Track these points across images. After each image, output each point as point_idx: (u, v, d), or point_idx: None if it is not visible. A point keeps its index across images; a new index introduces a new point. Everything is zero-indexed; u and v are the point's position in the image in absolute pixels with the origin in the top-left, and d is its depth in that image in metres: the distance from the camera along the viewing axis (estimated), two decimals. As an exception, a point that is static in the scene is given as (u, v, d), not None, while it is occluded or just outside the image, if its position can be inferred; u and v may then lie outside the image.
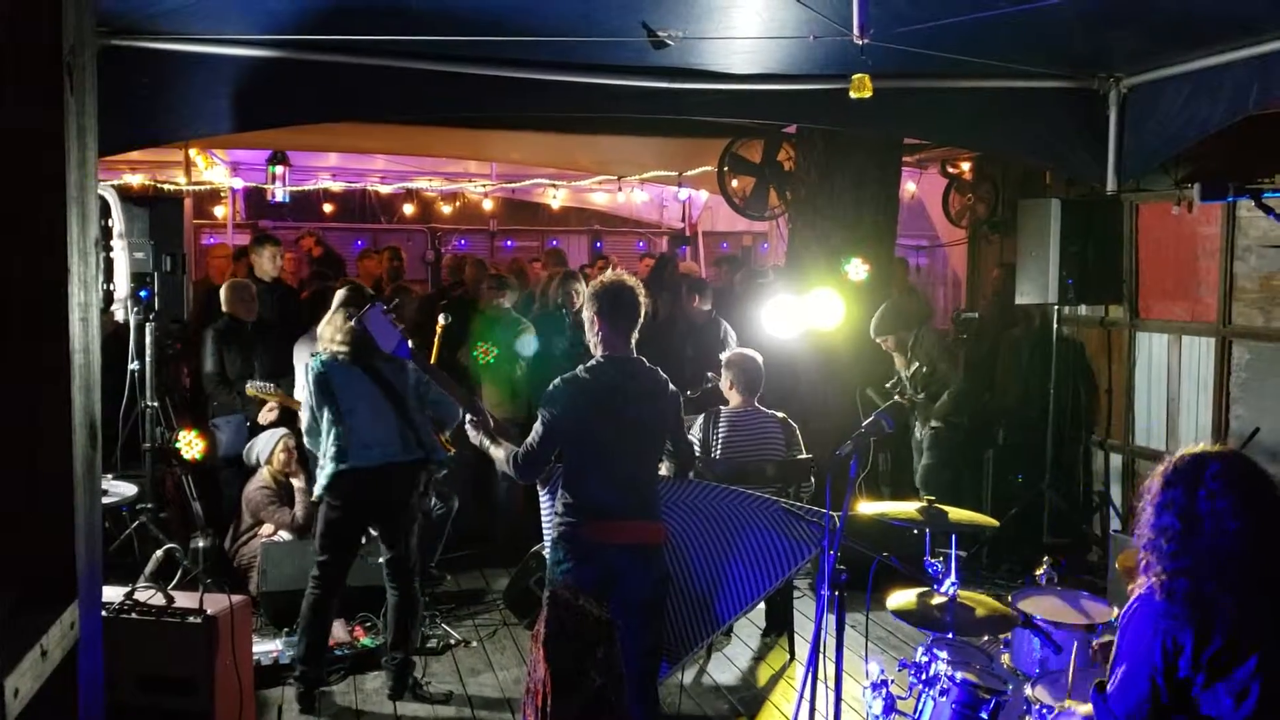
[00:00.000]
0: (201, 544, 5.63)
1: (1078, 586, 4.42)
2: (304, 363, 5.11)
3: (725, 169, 7.96)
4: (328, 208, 12.16)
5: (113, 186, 6.04)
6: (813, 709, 3.30)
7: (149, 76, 4.67)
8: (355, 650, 5.10)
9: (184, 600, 4.00)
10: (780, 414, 5.31)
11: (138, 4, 4.23)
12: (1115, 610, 3.50)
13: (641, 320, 3.71)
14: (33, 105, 1.37)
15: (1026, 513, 6.61)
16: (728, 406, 5.32)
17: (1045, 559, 4.14)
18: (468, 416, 3.86)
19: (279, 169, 9.38)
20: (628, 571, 3.59)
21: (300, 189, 10.83)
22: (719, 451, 5.16)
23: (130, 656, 3.76)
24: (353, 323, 4.30)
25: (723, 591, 4.28)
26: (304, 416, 4.68)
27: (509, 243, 14.26)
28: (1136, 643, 2.42)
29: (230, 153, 10.10)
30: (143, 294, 5.29)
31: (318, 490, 4.66)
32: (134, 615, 3.88)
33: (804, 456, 5.24)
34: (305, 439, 4.81)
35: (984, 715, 3.31)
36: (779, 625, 5.58)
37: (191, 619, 3.88)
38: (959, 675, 3.39)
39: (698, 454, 4.95)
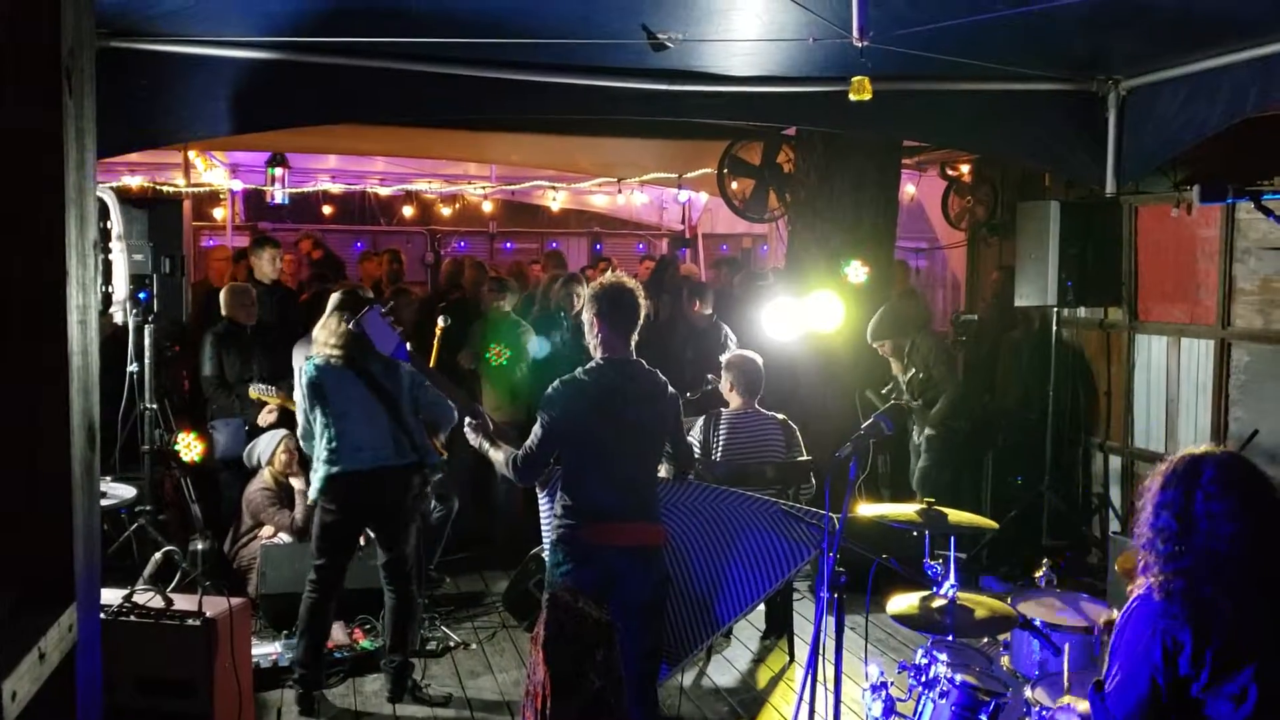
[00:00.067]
0: (200, 546, 5.63)
1: (1077, 588, 4.43)
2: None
3: (725, 171, 7.97)
4: (327, 209, 12.15)
5: (112, 188, 6.05)
6: (812, 711, 3.30)
7: (148, 78, 4.66)
8: (354, 652, 5.10)
9: (183, 602, 3.99)
10: (780, 416, 5.31)
11: (137, 5, 4.23)
12: (1115, 612, 3.50)
13: (641, 322, 3.71)
14: (31, 106, 1.37)
15: (1026, 515, 6.61)
16: (728, 408, 5.32)
17: (1045, 561, 4.14)
18: (467, 420, 3.85)
19: (278, 171, 9.37)
20: (627, 573, 3.59)
21: (299, 191, 10.83)
22: (719, 453, 5.16)
23: (129, 659, 3.76)
24: (350, 325, 4.30)
25: (722, 593, 4.28)
26: (299, 420, 4.68)
27: (508, 245, 14.26)
28: (1135, 643, 2.42)
29: (229, 154, 10.10)
30: (141, 296, 5.29)
31: (312, 494, 4.66)
32: (133, 618, 3.87)
33: (804, 458, 5.24)
34: (301, 442, 4.81)
35: (983, 717, 3.31)
36: (778, 627, 5.58)
37: (190, 621, 3.87)
38: (958, 677, 3.39)
39: (697, 456, 4.95)
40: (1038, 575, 4.05)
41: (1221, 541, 2.34)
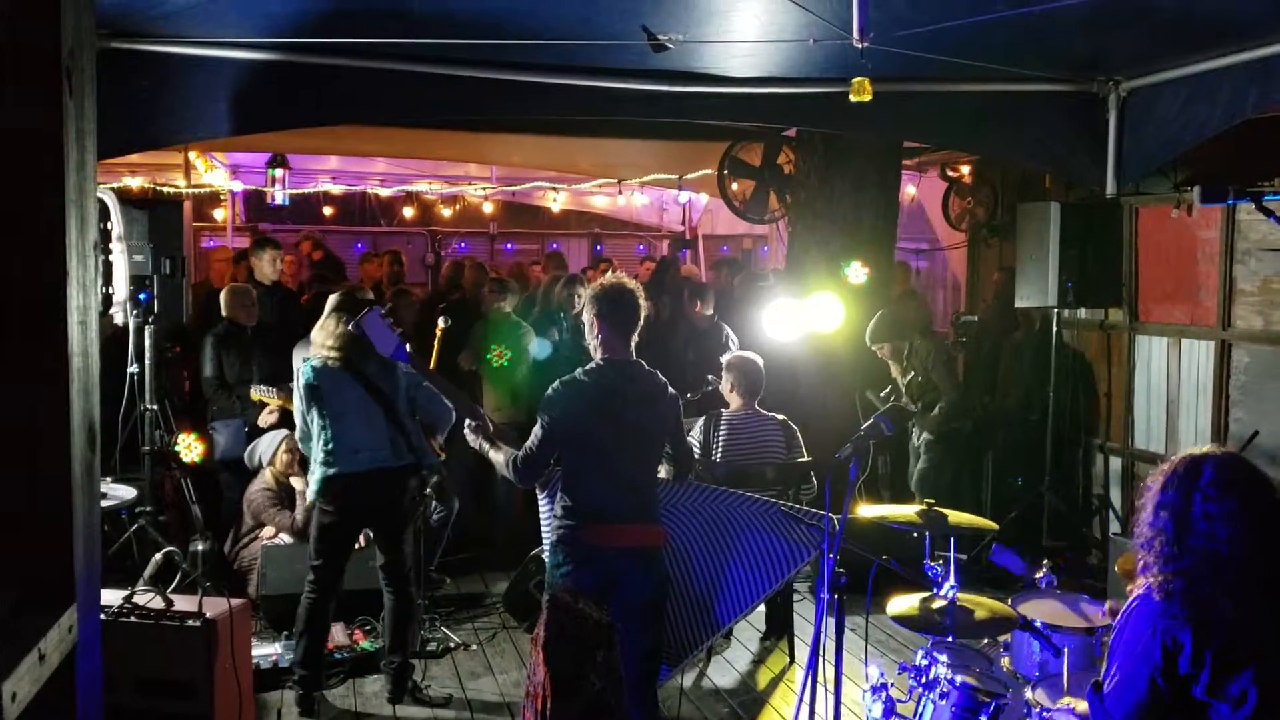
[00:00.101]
0: (200, 547, 5.63)
1: (1077, 589, 4.43)
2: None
3: (725, 172, 7.97)
4: (327, 210, 12.16)
5: (112, 189, 6.06)
6: (812, 712, 3.30)
7: (149, 79, 4.67)
8: (354, 653, 5.09)
9: (183, 603, 3.99)
10: (780, 416, 5.31)
11: (138, 6, 4.23)
12: (1115, 602, 3.50)
13: (641, 323, 3.71)
14: (31, 107, 1.37)
15: (1026, 515, 6.61)
16: (728, 409, 5.32)
17: (1045, 562, 4.14)
18: (468, 421, 3.85)
19: (279, 172, 9.38)
20: (627, 574, 3.59)
21: (300, 192, 10.84)
22: (719, 454, 5.16)
23: (129, 660, 3.75)
24: (350, 327, 4.30)
25: (722, 594, 4.28)
26: (296, 421, 4.68)
27: (509, 245, 14.26)
28: (1135, 643, 2.42)
29: (230, 155, 10.11)
30: (142, 297, 5.29)
31: (309, 495, 4.66)
32: (133, 618, 3.87)
33: (804, 459, 5.24)
34: (299, 444, 4.81)
35: (983, 718, 3.31)
36: (779, 628, 5.58)
37: (190, 622, 3.87)
38: (959, 678, 3.39)
39: (697, 456, 4.95)
40: (1038, 576, 4.05)
41: (1220, 543, 2.34)
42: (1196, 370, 6.33)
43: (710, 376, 5.60)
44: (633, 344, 3.68)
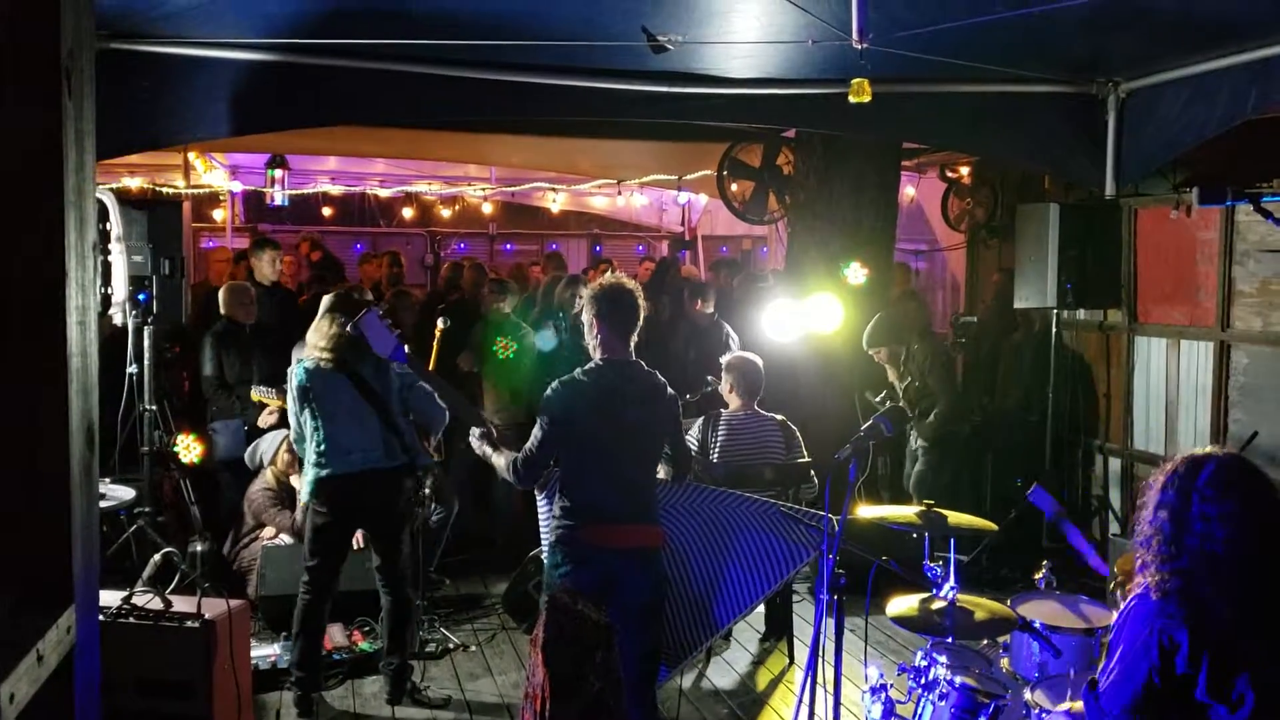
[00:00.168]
0: (199, 548, 5.62)
1: (1077, 590, 4.42)
2: None
3: (725, 173, 7.97)
4: (327, 211, 12.16)
5: (111, 190, 6.06)
6: (812, 713, 3.30)
7: (149, 80, 4.67)
8: (353, 654, 5.09)
9: (182, 604, 3.99)
10: (780, 417, 5.31)
11: (138, 7, 4.23)
12: (1114, 614, 3.50)
13: (640, 323, 3.71)
14: (31, 107, 1.37)
15: (1025, 516, 6.60)
16: (727, 410, 5.32)
17: (1044, 563, 4.14)
18: (475, 431, 3.84)
19: (278, 172, 9.37)
20: (626, 575, 3.59)
21: (299, 192, 10.83)
22: (716, 454, 5.16)
23: (128, 661, 3.75)
24: (349, 328, 4.29)
25: (721, 595, 4.28)
26: (290, 423, 4.67)
27: (508, 246, 14.26)
28: (1132, 641, 2.43)
29: (229, 156, 10.11)
30: (141, 297, 5.29)
31: (302, 496, 4.65)
32: (132, 619, 3.87)
33: (804, 459, 5.24)
34: (294, 445, 4.80)
35: (983, 719, 3.31)
36: (778, 629, 5.58)
37: (189, 623, 3.87)
38: (958, 679, 3.39)
39: (695, 456, 4.95)
40: (1037, 577, 4.05)
41: (1217, 544, 2.34)
42: (1196, 371, 6.33)
43: (710, 377, 5.60)
44: (632, 344, 3.68)
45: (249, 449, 6.03)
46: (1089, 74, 5.53)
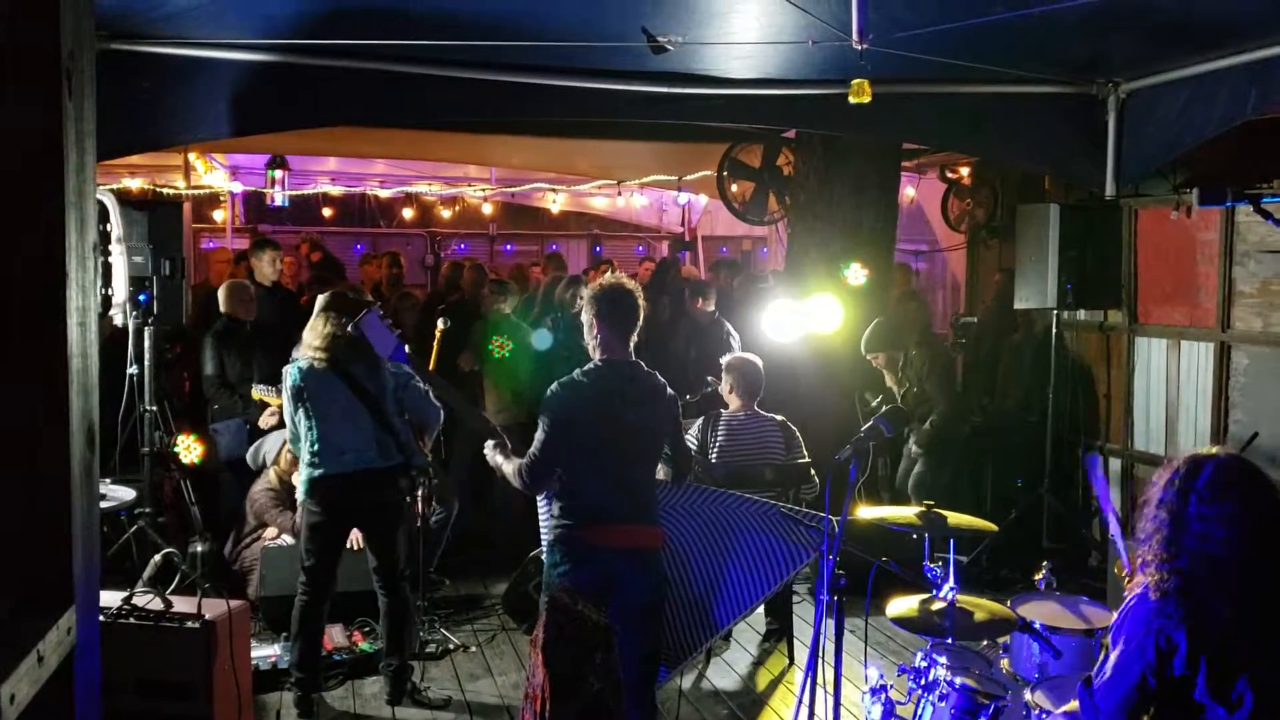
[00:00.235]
0: (200, 548, 5.63)
1: (1077, 591, 4.42)
2: None
3: (725, 174, 7.97)
4: (327, 212, 12.16)
5: (111, 191, 6.06)
6: (811, 714, 3.29)
7: (149, 80, 4.67)
8: (354, 655, 5.09)
9: (182, 605, 3.99)
10: (780, 418, 5.31)
11: (138, 8, 4.24)
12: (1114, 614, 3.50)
13: (640, 324, 3.71)
14: (31, 108, 1.37)
15: (1026, 517, 6.61)
16: (727, 410, 5.32)
17: (1044, 564, 4.14)
18: (489, 442, 3.82)
19: (278, 173, 9.38)
20: (625, 576, 3.58)
21: (299, 193, 10.84)
22: (715, 454, 5.16)
23: (128, 662, 3.75)
24: (349, 328, 4.29)
25: (721, 596, 4.27)
26: (286, 423, 4.67)
27: (508, 247, 14.26)
28: (1129, 640, 2.43)
29: (229, 157, 10.12)
30: (141, 298, 5.29)
31: (298, 496, 4.65)
32: (132, 620, 3.87)
33: (804, 460, 5.24)
34: (290, 445, 4.80)
35: (983, 720, 3.31)
36: (778, 630, 5.58)
37: (190, 624, 3.87)
38: (958, 680, 3.39)
39: (695, 457, 4.95)
40: (1037, 578, 4.05)
41: (1214, 544, 2.34)
42: (1196, 372, 6.33)
43: (710, 378, 5.61)
44: (632, 344, 3.68)
45: (251, 449, 6.02)
46: (1089, 74, 5.53)
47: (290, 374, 4.52)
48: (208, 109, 4.82)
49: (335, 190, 11.55)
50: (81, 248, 1.43)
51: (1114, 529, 3.98)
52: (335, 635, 5.15)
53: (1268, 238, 5.75)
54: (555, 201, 11.81)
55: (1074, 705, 2.91)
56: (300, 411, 4.48)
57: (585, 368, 3.65)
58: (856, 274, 6.75)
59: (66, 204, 1.38)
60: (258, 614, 5.33)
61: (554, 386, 3.61)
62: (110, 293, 5.11)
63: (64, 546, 1.41)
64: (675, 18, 4.44)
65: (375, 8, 4.44)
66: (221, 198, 11.07)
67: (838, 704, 3.68)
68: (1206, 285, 6.25)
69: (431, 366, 5.13)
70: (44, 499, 1.40)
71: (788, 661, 5.37)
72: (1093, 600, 3.99)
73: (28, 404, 1.39)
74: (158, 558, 4.46)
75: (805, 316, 5.37)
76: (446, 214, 12.45)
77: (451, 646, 5.40)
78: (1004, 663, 3.86)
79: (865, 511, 3.96)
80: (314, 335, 4.49)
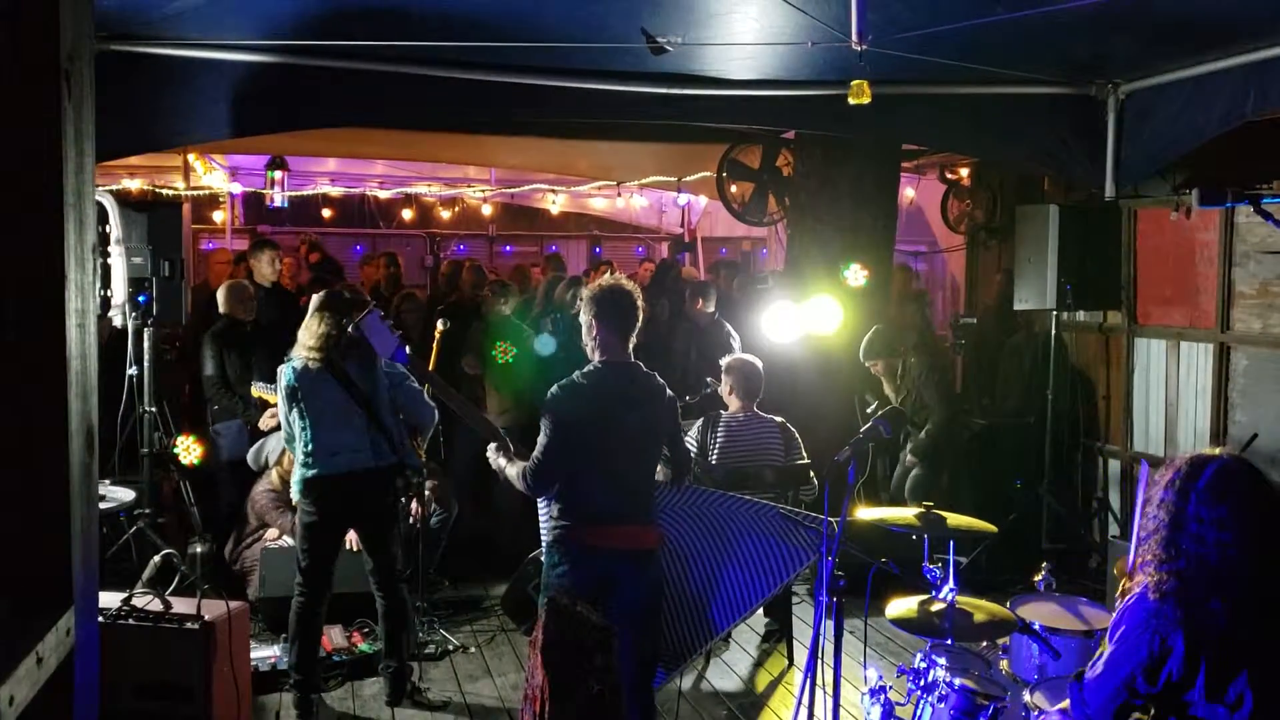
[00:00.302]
0: (199, 549, 5.62)
1: (1076, 592, 4.42)
2: None
3: (724, 174, 7.97)
4: (326, 213, 12.16)
5: (111, 192, 6.06)
6: (811, 715, 3.29)
7: (149, 81, 4.67)
8: (353, 656, 5.09)
9: (181, 606, 3.99)
10: (779, 419, 5.31)
11: (138, 8, 4.24)
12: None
13: (639, 325, 3.71)
14: (30, 109, 1.37)
15: (1025, 518, 6.60)
16: (727, 411, 5.32)
17: (1044, 565, 4.14)
18: (491, 446, 3.82)
19: (277, 174, 9.37)
20: (624, 576, 3.58)
21: (299, 194, 10.83)
22: (715, 456, 5.16)
23: (128, 663, 3.76)
24: (350, 329, 4.29)
25: (720, 598, 4.27)
26: (281, 423, 4.66)
27: (508, 248, 14.26)
28: (1125, 638, 2.44)
29: (229, 158, 10.12)
30: (141, 299, 5.29)
31: (293, 496, 4.64)
32: (131, 621, 3.88)
33: (803, 461, 5.24)
34: (286, 445, 4.79)
35: (982, 721, 3.31)
36: (777, 631, 5.58)
37: (189, 625, 3.87)
38: (957, 681, 3.39)
39: (694, 458, 4.94)
40: (1037, 579, 4.05)
41: (1210, 547, 2.34)
42: (1196, 373, 6.33)
43: (709, 379, 5.60)
44: (631, 345, 3.68)
45: (253, 449, 6.02)
46: (1088, 75, 5.54)
47: (284, 374, 4.52)
48: (207, 109, 4.82)
49: (335, 191, 11.55)
50: (80, 249, 1.43)
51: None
52: (334, 636, 5.14)
53: (1267, 239, 5.75)
54: (555, 202, 11.81)
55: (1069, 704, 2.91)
56: (294, 411, 4.48)
57: (585, 369, 3.65)
58: (856, 275, 6.75)
59: (65, 205, 1.38)
60: (257, 615, 5.32)
61: (554, 388, 3.61)
62: (109, 294, 5.11)
63: (63, 548, 1.41)
64: (675, 18, 4.44)
65: (375, 8, 4.44)
66: (221, 199, 11.07)
67: (837, 705, 3.68)
68: (1206, 286, 6.25)
69: (431, 367, 5.12)
70: (43, 500, 1.40)
71: (787, 662, 5.37)
72: (1092, 601, 3.98)
73: (27, 406, 1.39)
74: (157, 559, 4.46)
75: (805, 317, 5.37)
76: (446, 215, 12.45)
77: (451, 647, 5.40)
78: (1003, 664, 3.86)
79: (864, 513, 3.96)
80: (308, 335, 4.49)
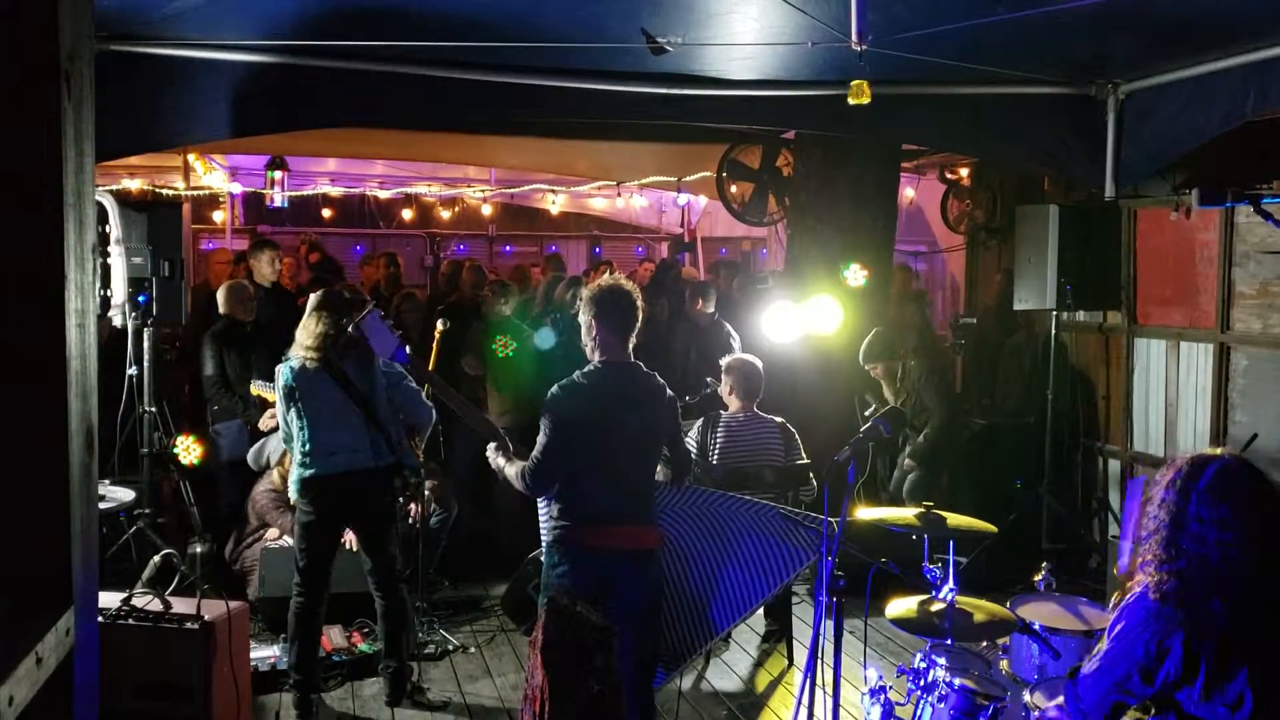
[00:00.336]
0: (199, 549, 5.62)
1: (1076, 592, 4.42)
2: None
3: (724, 175, 7.97)
4: (326, 213, 12.16)
5: (111, 192, 6.06)
6: (811, 715, 3.29)
7: (149, 81, 4.67)
8: (353, 656, 5.09)
9: (181, 606, 3.99)
10: (779, 419, 5.31)
11: (138, 8, 4.24)
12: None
13: (639, 325, 3.71)
14: (30, 109, 1.37)
15: (1025, 518, 6.60)
16: (727, 412, 5.32)
17: (1044, 565, 4.14)
18: (491, 445, 3.82)
19: (277, 174, 9.37)
20: (623, 576, 3.58)
21: (299, 194, 10.83)
22: (715, 456, 5.16)
23: (127, 663, 3.76)
24: (350, 329, 4.29)
25: (720, 598, 4.27)
26: (279, 423, 4.66)
27: (508, 248, 14.26)
28: (1123, 637, 2.44)
29: (229, 158, 10.12)
30: (140, 299, 5.29)
31: (291, 496, 4.64)
32: (131, 621, 3.87)
33: (803, 461, 5.24)
34: (284, 445, 4.79)
35: (982, 721, 3.31)
36: (777, 631, 5.58)
37: (189, 625, 3.87)
38: (957, 681, 3.39)
39: (694, 458, 4.94)
40: (1037, 579, 4.05)
41: (1213, 546, 2.34)
42: (1195, 373, 6.33)
43: (709, 379, 5.60)
44: (631, 345, 3.68)
45: (254, 449, 6.02)
46: (1088, 75, 5.54)
47: (282, 374, 4.52)
48: (207, 110, 4.82)
49: (335, 191, 11.55)
50: (80, 249, 1.43)
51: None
52: (334, 636, 5.14)
53: (1267, 239, 5.75)
54: (555, 202, 11.81)
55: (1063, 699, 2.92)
56: (292, 411, 4.48)
57: (585, 369, 3.65)
58: (856, 275, 6.75)
59: (65, 205, 1.38)
60: (257, 615, 5.32)
61: (554, 388, 3.61)
62: (109, 294, 5.11)
63: (63, 548, 1.41)
64: (675, 18, 4.44)
65: (375, 9, 4.44)
66: (221, 199, 11.07)
67: (837, 705, 3.68)
68: (1206, 286, 6.25)
69: (431, 367, 5.13)
70: (43, 500, 1.40)
71: (787, 662, 5.37)
72: (1092, 601, 3.98)
73: (27, 406, 1.39)
74: (157, 559, 4.46)
75: (805, 318, 5.37)
76: (446, 215, 12.45)
77: (451, 647, 5.40)
78: (1003, 664, 3.86)
79: (864, 513, 3.96)
80: (306, 335, 4.49)
